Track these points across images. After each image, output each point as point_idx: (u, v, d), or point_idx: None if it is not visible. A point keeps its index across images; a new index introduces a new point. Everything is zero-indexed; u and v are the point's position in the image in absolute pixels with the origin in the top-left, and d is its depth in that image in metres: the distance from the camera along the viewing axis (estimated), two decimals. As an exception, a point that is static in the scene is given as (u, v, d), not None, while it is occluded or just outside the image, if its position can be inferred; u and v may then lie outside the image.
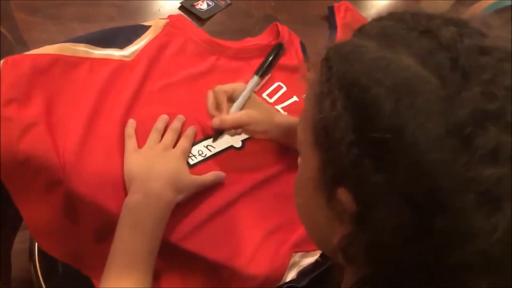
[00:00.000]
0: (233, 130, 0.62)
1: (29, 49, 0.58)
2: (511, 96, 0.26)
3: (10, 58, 0.55)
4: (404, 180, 0.27)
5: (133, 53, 0.65)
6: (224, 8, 0.81)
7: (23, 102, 0.53)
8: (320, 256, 0.55)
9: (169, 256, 0.53)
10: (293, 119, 0.62)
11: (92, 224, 0.54)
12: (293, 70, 0.74)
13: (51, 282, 0.72)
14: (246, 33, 0.78)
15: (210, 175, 0.58)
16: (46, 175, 0.52)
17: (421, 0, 0.98)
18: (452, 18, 0.30)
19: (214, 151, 0.62)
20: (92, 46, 0.62)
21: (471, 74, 0.27)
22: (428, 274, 0.29)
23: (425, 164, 0.26)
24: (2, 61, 0.54)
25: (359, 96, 0.29)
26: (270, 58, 0.66)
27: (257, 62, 0.71)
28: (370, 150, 0.28)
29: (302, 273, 0.56)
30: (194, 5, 0.79)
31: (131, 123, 0.58)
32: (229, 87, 0.60)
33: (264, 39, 0.77)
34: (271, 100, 0.72)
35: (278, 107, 0.71)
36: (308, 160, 0.35)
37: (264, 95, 0.72)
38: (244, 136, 0.65)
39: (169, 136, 0.59)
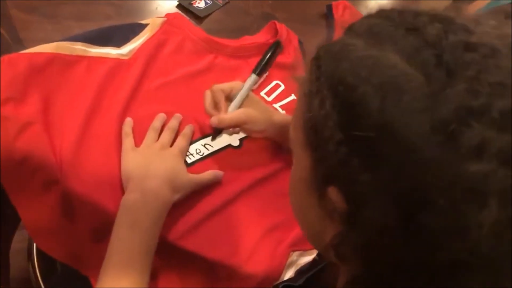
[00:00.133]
0: (231, 129, 0.61)
1: (25, 48, 0.58)
2: (496, 92, 0.26)
3: (6, 56, 0.54)
4: (391, 178, 0.27)
5: (130, 51, 0.65)
6: (221, 6, 0.81)
7: (20, 101, 0.53)
8: (317, 255, 0.55)
9: (166, 255, 0.53)
10: (290, 117, 0.62)
11: (89, 223, 0.53)
12: (291, 68, 0.73)
13: (50, 281, 0.72)
14: (244, 31, 0.78)
15: (208, 174, 0.58)
16: (43, 174, 0.52)
17: (420, 0, 0.97)
18: (439, 15, 0.30)
19: (212, 150, 0.62)
20: (89, 45, 0.62)
21: (456, 70, 0.27)
22: (418, 272, 0.29)
23: (411, 161, 0.27)
24: (-1, 60, 0.54)
25: (346, 95, 0.29)
26: (268, 57, 0.66)
27: (255, 61, 0.70)
28: (357, 148, 0.29)
29: (300, 272, 0.56)
30: (192, 4, 0.78)
31: (128, 122, 0.58)
32: (226, 86, 0.60)
33: (262, 37, 0.77)
34: (269, 99, 0.72)
35: (276, 105, 0.71)
36: (299, 160, 0.36)
37: (262, 93, 0.71)
38: (242, 134, 0.64)
39: (166, 135, 0.59)
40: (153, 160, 0.55)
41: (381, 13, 0.33)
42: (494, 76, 0.26)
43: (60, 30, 0.65)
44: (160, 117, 0.60)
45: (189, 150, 0.60)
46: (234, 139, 0.64)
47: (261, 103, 0.64)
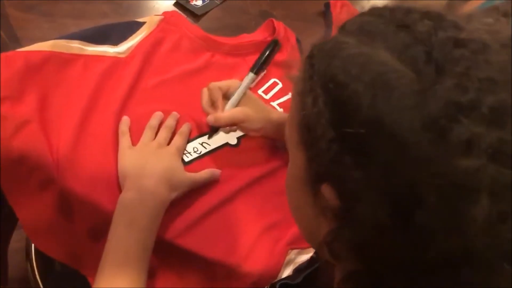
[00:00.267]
0: (228, 127, 0.61)
1: (22, 47, 0.57)
2: (485, 88, 0.26)
3: (3, 55, 0.54)
4: (382, 175, 0.27)
5: (127, 49, 0.64)
6: (219, 4, 0.81)
7: (17, 99, 0.53)
8: (314, 253, 0.55)
9: (164, 253, 0.53)
10: (287, 116, 0.62)
11: (87, 222, 0.53)
12: (286, 66, 0.73)
13: (48, 280, 0.71)
14: (241, 29, 0.77)
15: (205, 173, 0.58)
16: (40, 173, 0.51)
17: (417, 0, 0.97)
18: (430, 12, 0.30)
19: (209, 148, 0.62)
20: (86, 43, 0.62)
21: (445, 66, 0.27)
22: (412, 269, 0.29)
23: (401, 158, 0.27)
24: (-5, 58, 0.54)
25: (337, 93, 0.29)
26: (265, 55, 0.66)
27: (252, 59, 0.70)
28: (349, 146, 0.29)
29: (298, 270, 0.56)
30: (189, 1, 0.78)
31: (125, 120, 0.58)
32: (224, 84, 0.60)
33: (259, 35, 0.77)
34: (267, 97, 0.71)
35: (274, 103, 0.71)
36: (294, 158, 0.36)
37: (260, 91, 0.71)
38: (239, 133, 0.64)
39: (163, 134, 0.59)
40: (150, 159, 0.54)
41: (373, 11, 0.33)
42: (484, 71, 0.27)
43: (56, 28, 0.65)
44: (157, 115, 0.60)
45: (186, 149, 0.60)
46: (231, 138, 0.64)
47: (259, 102, 0.63)
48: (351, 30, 0.32)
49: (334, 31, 0.34)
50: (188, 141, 0.61)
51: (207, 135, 0.62)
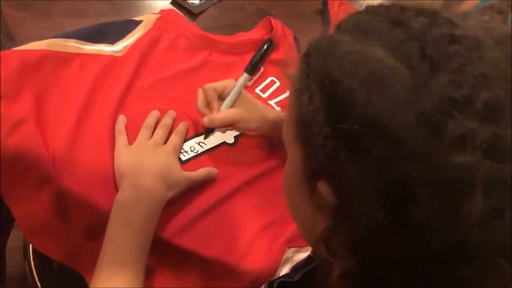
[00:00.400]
0: (224, 128, 0.61)
1: (18, 46, 0.57)
2: (480, 83, 0.26)
3: (-1, 54, 0.54)
4: (377, 170, 0.28)
5: (124, 48, 0.64)
6: (216, 2, 0.81)
7: (13, 98, 0.53)
8: (312, 252, 0.55)
9: (161, 252, 0.53)
10: (284, 114, 0.62)
11: (83, 221, 0.53)
12: (282, 64, 0.73)
13: (46, 279, 0.71)
14: (239, 27, 0.77)
15: (202, 171, 0.58)
16: (36, 173, 0.51)
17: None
18: (425, 9, 0.31)
19: (206, 147, 0.62)
20: (82, 42, 0.62)
21: (439, 63, 0.27)
22: (407, 266, 0.29)
23: (396, 154, 0.27)
24: (-10, 57, 0.53)
25: (333, 90, 0.30)
26: (260, 55, 0.65)
27: (250, 57, 0.70)
28: (344, 142, 0.29)
29: (295, 269, 0.56)
30: (186, 0, 0.78)
31: (121, 119, 0.58)
32: (219, 85, 0.60)
33: (257, 33, 0.76)
34: (264, 95, 0.71)
35: (271, 102, 0.71)
36: (292, 156, 0.36)
37: (257, 90, 0.71)
38: (237, 132, 0.64)
39: (160, 132, 0.58)
40: (146, 158, 0.54)
41: (369, 9, 0.33)
42: (478, 68, 0.27)
43: (53, 27, 0.65)
44: (154, 114, 0.60)
45: (183, 148, 0.60)
46: (229, 137, 0.64)
47: (255, 101, 0.63)
48: (347, 28, 0.32)
49: (332, 30, 0.34)
50: (185, 140, 0.61)
51: (204, 135, 0.62)
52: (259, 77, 0.72)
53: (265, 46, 0.65)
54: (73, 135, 0.54)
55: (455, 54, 0.27)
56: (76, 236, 0.54)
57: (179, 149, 0.59)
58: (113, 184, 0.54)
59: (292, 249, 0.59)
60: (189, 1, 0.78)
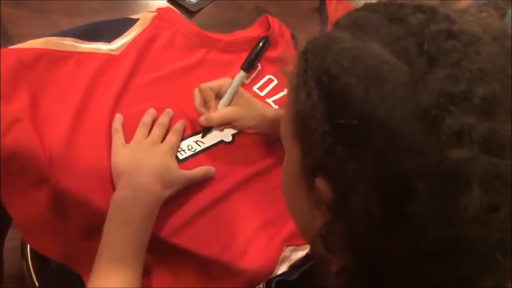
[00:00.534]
0: (222, 126, 0.61)
1: (14, 44, 0.57)
2: (477, 79, 0.26)
3: (-6, 52, 0.54)
4: (374, 165, 0.28)
5: (121, 46, 0.64)
6: (213, 0, 0.80)
7: (8, 97, 0.52)
8: (310, 250, 0.55)
9: (159, 251, 0.53)
10: (282, 112, 0.62)
11: (80, 221, 0.53)
12: (279, 62, 0.73)
13: (44, 279, 0.71)
14: (236, 25, 0.77)
15: (200, 170, 0.58)
16: (32, 172, 0.51)
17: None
18: (422, 5, 0.31)
19: (204, 146, 0.62)
20: (79, 40, 0.61)
21: (437, 58, 0.27)
22: (404, 261, 0.29)
23: (393, 148, 0.27)
24: (-14, 56, 0.53)
25: (330, 86, 0.30)
26: (255, 52, 0.65)
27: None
28: (342, 138, 0.29)
29: (293, 267, 0.56)
30: (183, -2, 0.78)
31: (118, 118, 0.58)
32: (215, 83, 0.60)
33: (254, 31, 0.76)
34: (262, 94, 0.71)
35: (269, 100, 0.71)
36: (290, 153, 0.36)
37: (255, 88, 0.71)
38: (234, 130, 0.64)
39: (157, 131, 0.58)
40: (143, 156, 0.54)
41: (367, 6, 0.33)
42: (475, 63, 0.27)
43: (49, 25, 0.64)
44: (150, 112, 0.60)
45: (180, 146, 0.60)
46: (226, 135, 0.64)
47: (252, 99, 0.63)
48: (345, 24, 0.33)
49: (329, 28, 0.35)
50: (182, 139, 0.61)
51: (201, 134, 0.61)
52: (257, 75, 0.71)
53: (261, 44, 0.65)
54: (69, 134, 0.54)
55: (453, 49, 0.27)
56: (73, 235, 0.54)
57: (176, 148, 0.59)
58: (109, 183, 0.53)
59: (290, 248, 0.59)
60: (186, -1, 0.78)
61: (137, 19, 0.68)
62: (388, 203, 0.28)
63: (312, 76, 0.31)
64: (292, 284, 0.50)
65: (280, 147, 0.63)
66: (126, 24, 0.66)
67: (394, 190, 0.27)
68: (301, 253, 0.58)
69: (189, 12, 0.77)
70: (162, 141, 0.58)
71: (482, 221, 0.26)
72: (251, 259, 0.56)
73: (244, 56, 0.71)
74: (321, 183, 0.31)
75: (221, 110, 0.60)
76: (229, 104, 0.61)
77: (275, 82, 0.72)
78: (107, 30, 0.64)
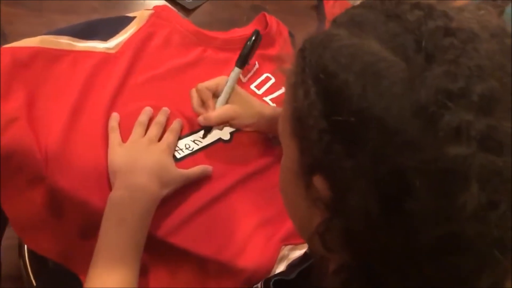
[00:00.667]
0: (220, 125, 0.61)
1: (9, 42, 0.56)
2: (475, 75, 0.26)
3: (-11, 51, 0.53)
4: (372, 163, 0.28)
5: (117, 45, 0.64)
6: (211, -2, 0.80)
7: (4, 96, 0.52)
8: (308, 249, 0.55)
9: (156, 250, 0.53)
10: (280, 110, 0.62)
11: (77, 220, 0.53)
12: (277, 60, 0.73)
13: (41, 278, 0.71)
14: (233, 23, 0.77)
15: (197, 169, 0.57)
16: (28, 171, 0.51)
17: None
18: (420, 2, 0.31)
19: (201, 145, 0.61)
20: (75, 39, 0.61)
21: (435, 55, 0.27)
22: (402, 259, 0.29)
23: (391, 145, 0.27)
24: (-19, 54, 0.53)
25: (328, 83, 0.30)
26: (248, 48, 0.64)
27: (245, 53, 0.70)
28: (340, 135, 0.29)
29: (291, 266, 0.56)
30: (180, -4, 0.77)
31: (114, 117, 0.57)
32: (211, 83, 0.60)
33: (251, 29, 0.76)
34: (260, 92, 0.71)
35: (267, 98, 0.71)
36: (287, 151, 0.36)
37: (252, 86, 0.71)
38: (232, 128, 0.64)
39: (154, 130, 0.58)
40: (140, 155, 0.54)
41: (364, 3, 0.33)
42: (473, 59, 0.27)
43: (45, 23, 0.64)
44: (147, 111, 0.60)
45: (178, 145, 0.60)
46: (225, 133, 0.64)
47: (249, 97, 0.63)
48: (342, 22, 0.32)
49: (327, 26, 0.34)
50: (180, 138, 0.60)
51: (199, 133, 0.61)
52: (254, 73, 0.71)
53: (253, 38, 0.64)
54: (66, 133, 0.54)
55: (450, 46, 0.27)
56: (69, 235, 0.53)
57: (173, 147, 0.59)
58: (106, 182, 0.53)
59: (288, 247, 0.59)
60: (183, -3, 0.77)
61: (134, 17, 0.67)
62: (386, 200, 0.28)
63: (310, 74, 0.31)
64: (290, 283, 0.50)
65: (277, 145, 0.64)
66: (123, 22, 0.66)
67: (392, 187, 0.27)
68: (299, 252, 0.58)
69: (186, 10, 0.77)
70: (159, 140, 0.58)
71: (480, 218, 0.26)
72: (249, 258, 0.56)
73: (241, 54, 0.71)
74: (319, 181, 0.31)
75: (219, 109, 0.60)
76: (227, 102, 0.60)
77: (273, 80, 0.72)
78: (104, 29, 0.64)
